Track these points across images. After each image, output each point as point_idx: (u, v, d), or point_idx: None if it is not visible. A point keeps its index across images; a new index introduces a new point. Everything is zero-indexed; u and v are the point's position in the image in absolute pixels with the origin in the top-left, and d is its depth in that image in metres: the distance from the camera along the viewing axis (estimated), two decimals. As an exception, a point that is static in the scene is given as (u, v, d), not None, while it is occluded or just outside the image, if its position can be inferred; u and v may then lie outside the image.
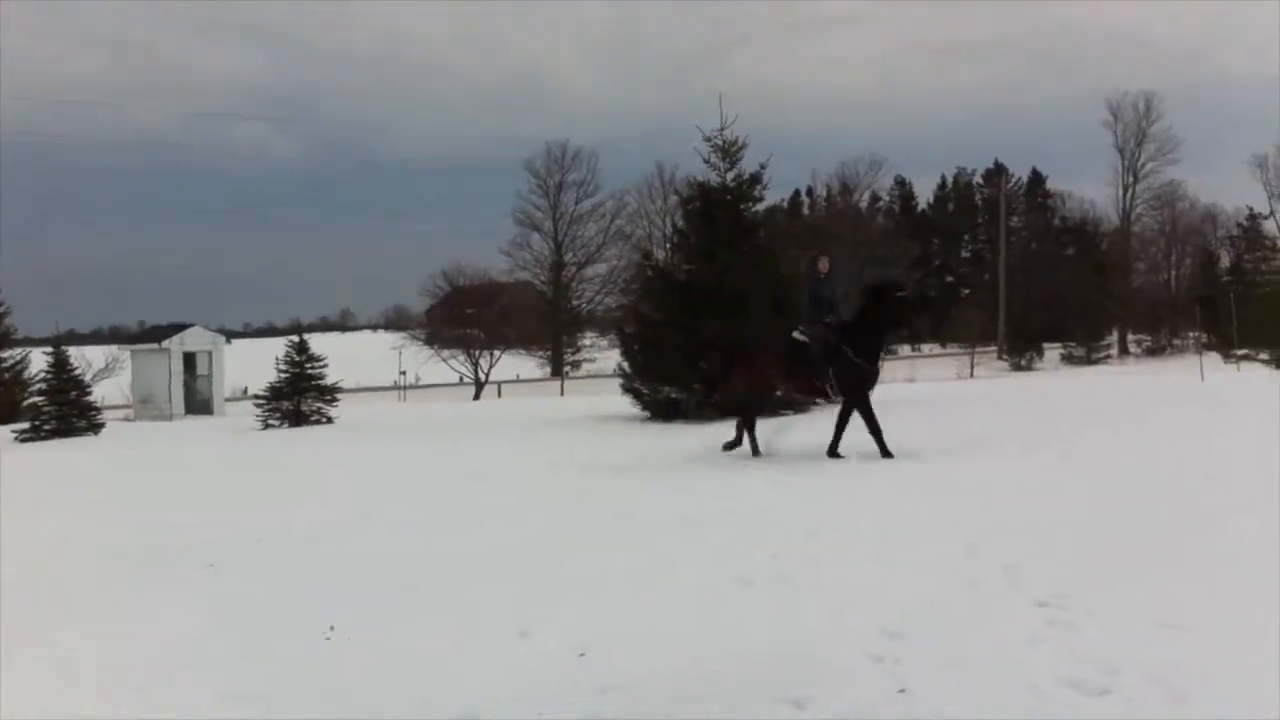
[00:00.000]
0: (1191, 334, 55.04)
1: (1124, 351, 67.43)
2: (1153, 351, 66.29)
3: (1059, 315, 60.50)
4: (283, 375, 25.60)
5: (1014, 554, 6.68)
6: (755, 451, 13.10)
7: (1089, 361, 58.59)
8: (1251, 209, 75.37)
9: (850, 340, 12.47)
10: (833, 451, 12.31)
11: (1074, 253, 75.72)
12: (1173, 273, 76.66)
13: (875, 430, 12.11)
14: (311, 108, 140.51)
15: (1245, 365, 37.61)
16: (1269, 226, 74.54)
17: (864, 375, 12.46)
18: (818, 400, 14.12)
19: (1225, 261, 72.81)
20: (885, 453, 11.89)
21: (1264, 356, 39.32)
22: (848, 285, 33.51)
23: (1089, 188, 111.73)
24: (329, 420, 25.24)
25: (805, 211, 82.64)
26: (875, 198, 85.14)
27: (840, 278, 52.01)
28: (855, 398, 12.42)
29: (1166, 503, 8.30)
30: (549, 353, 68.53)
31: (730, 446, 13.18)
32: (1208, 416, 14.70)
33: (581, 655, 5.18)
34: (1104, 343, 63.90)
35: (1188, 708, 4.11)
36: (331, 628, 5.86)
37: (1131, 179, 76.32)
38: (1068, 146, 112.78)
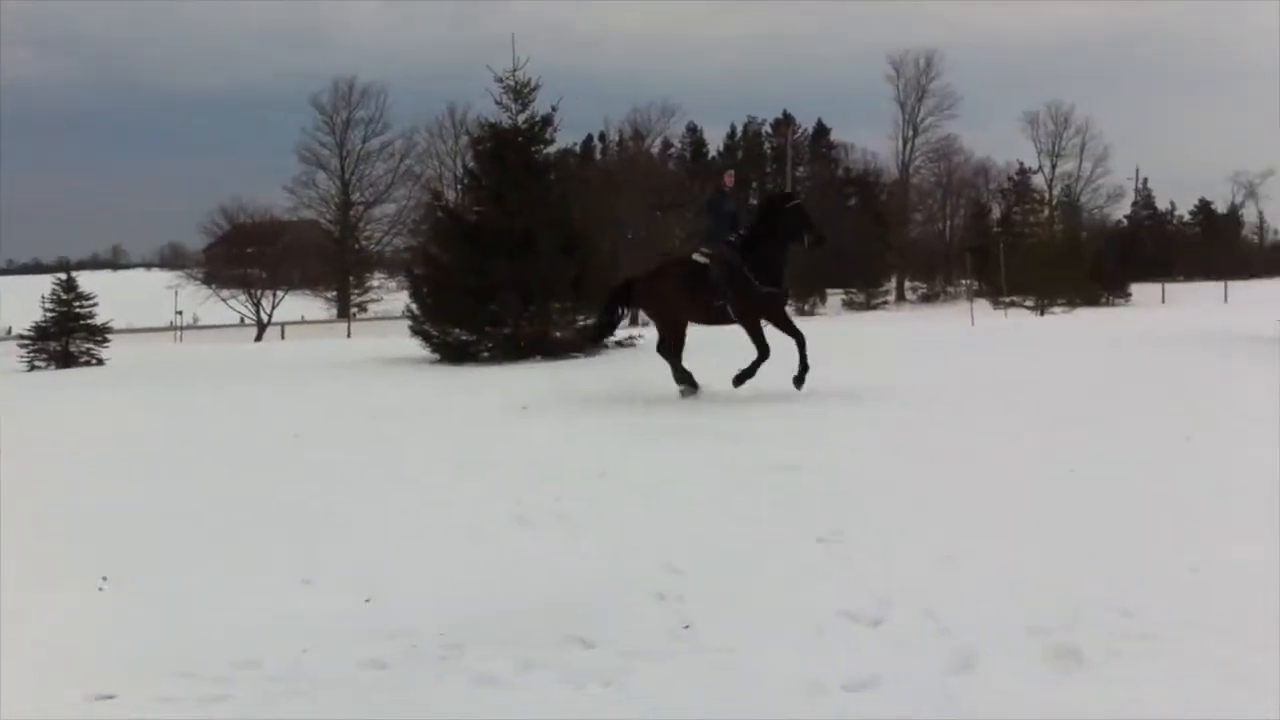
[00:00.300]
0: (964, 281, 57.58)
1: (901, 298, 70.13)
2: (928, 298, 69.18)
3: (841, 263, 62.40)
4: (49, 315, 24.20)
5: (794, 491, 6.85)
6: (682, 380, 12.27)
7: (868, 307, 60.77)
8: (1022, 164, 79.28)
9: (750, 260, 11.73)
10: (742, 377, 11.66)
11: (856, 203, 78.10)
12: (948, 223, 79.98)
13: (762, 352, 11.66)
14: (75, 34, 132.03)
15: (1012, 311, 39.68)
16: (1037, 181, 78.70)
17: (765, 299, 11.82)
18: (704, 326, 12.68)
19: (996, 213, 76.67)
20: (748, 374, 11.57)
21: (1029, 303, 41.55)
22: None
23: (872, 140, 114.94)
24: (99, 362, 23.99)
25: (598, 156, 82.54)
26: (667, 144, 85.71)
27: (634, 221, 52.41)
28: (754, 319, 11.85)
29: (940, 441, 8.66)
30: (335, 294, 66.85)
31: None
32: (978, 358, 15.38)
33: (367, 601, 5.05)
34: (883, 289, 66.39)
35: (951, 637, 4.26)
36: (105, 578, 5.52)
37: (911, 133, 79.10)
38: (853, 99, 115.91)
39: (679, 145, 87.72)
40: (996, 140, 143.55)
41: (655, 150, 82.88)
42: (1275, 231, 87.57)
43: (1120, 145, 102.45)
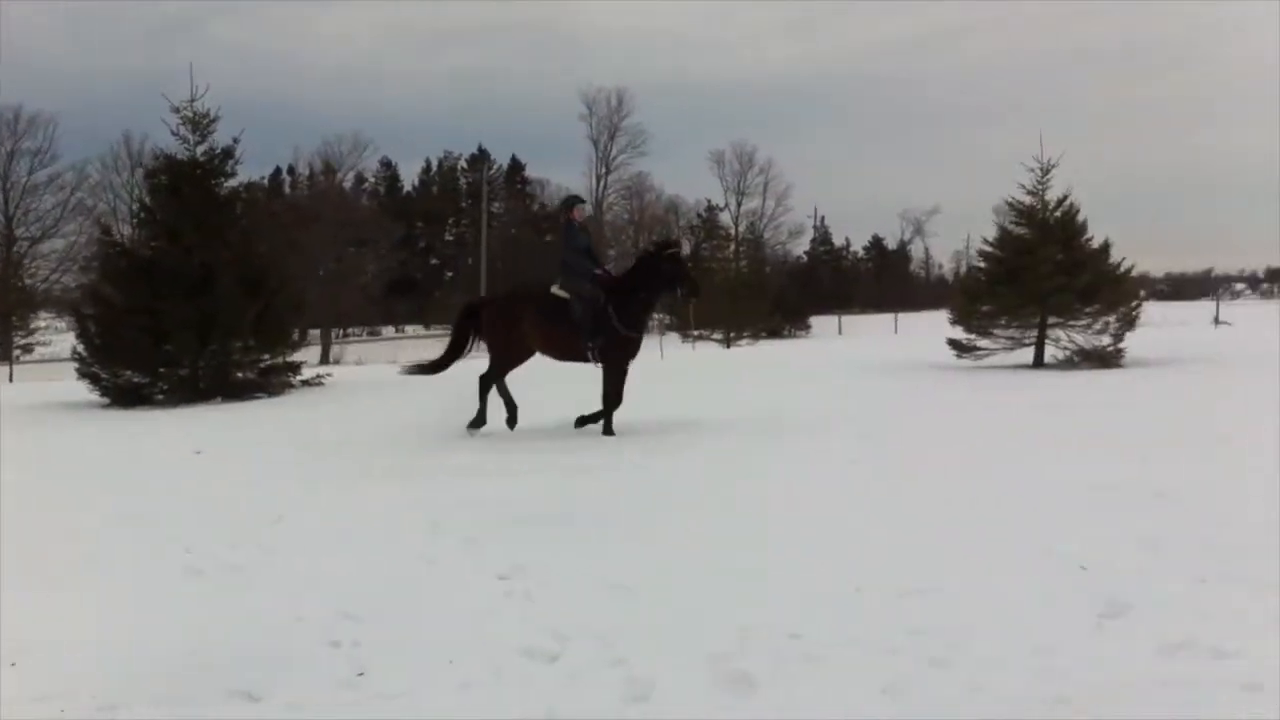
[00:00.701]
0: (656, 315, 59.17)
1: (596, 333, 71.16)
2: (621, 332, 70.49)
3: (537, 299, 62.66)
4: None
5: (474, 529, 6.78)
6: (478, 421, 11.90)
7: (565, 342, 61.27)
8: (710, 201, 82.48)
9: (617, 303, 11.49)
10: (607, 428, 11.47)
11: (553, 239, 78.96)
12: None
13: (611, 402, 11.48)
14: None
15: (701, 344, 41.05)
16: (724, 217, 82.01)
17: (627, 344, 11.60)
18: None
19: (687, 249, 79.30)
20: (608, 428, 11.39)
21: (717, 336, 43.13)
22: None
23: (566, 177, 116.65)
24: None
25: (287, 190, 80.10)
26: (361, 178, 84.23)
27: (326, 256, 50.84)
28: (614, 366, 11.58)
29: (621, 476, 8.81)
30: (-4, 335, 61.73)
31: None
32: (664, 393, 15.77)
33: (12, 665, 4.61)
34: (578, 325, 67.13)
35: (628, 667, 4.29)
36: None
37: (604, 170, 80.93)
38: (547, 136, 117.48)
39: (373, 180, 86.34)
40: (686, 178, 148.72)
41: (348, 184, 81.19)
42: (940, 266, 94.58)
43: (800, 184, 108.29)
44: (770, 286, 55.20)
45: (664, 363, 23.82)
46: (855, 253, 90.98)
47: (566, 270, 11.76)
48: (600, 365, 11.57)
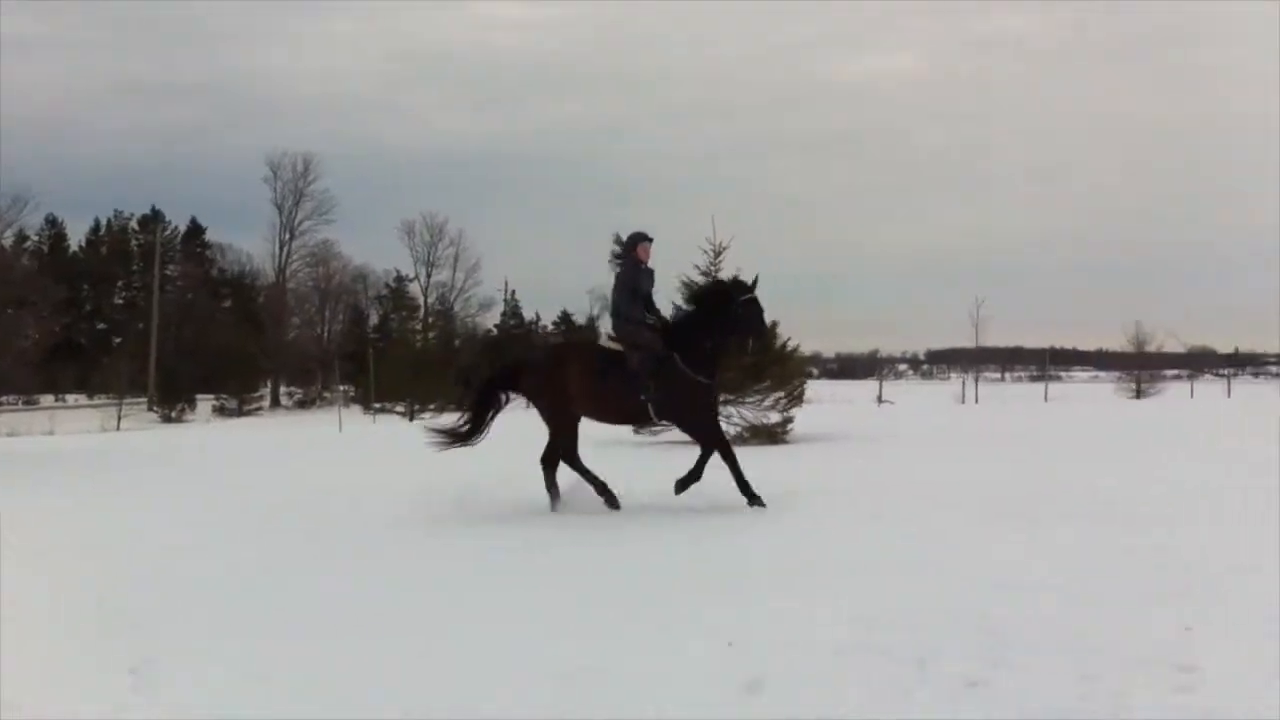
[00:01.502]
0: (340, 387, 57.69)
1: (276, 404, 68.83)
2: (303, 404, 68.55)
3: (213, 367, 60.04)
4: None
5: (122, 619, 6.25)
6: (606, 497, 10.45)
7: (241, 413, 58.87)
8: (399, 271, 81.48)
9: (682, 347, 10.08)
10: (752, 498, 9.99)
11: (231, 305, 76.03)
12: (327, 328, 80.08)
13: (733, 463, 10.05)
14: None
15: (383, 417, 40.22)
16: (414, 289, 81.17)
17: (700, 392, 10.14)
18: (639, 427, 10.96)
19: (375, 319, 78.02)
20: (752, 497, 9.96)
21: (400, 409, 42.35)
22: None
23: (249, 241, 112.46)
24: None
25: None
26: (23, 236, 78.45)
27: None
28: (692, 419, 10.34)
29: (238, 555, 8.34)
30: None
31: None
32: (331, 466, 15.24)
33: None
34: (257, 395, 64.68)
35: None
36: None
37: (289, 236, 78.60)
38: (231, 199, 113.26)
39: (36, 238, 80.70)
40: (375, 247, 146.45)
41: (8, 242, 75.37)
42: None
43: (491, 257, 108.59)
44: (460, 359, 54.89)
45: (342, 435, 23.09)
46: (545, 327, 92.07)
47: (619, 317, 10.40)
48: (667, 422, 10.47)
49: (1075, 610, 5.85)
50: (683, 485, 10.25)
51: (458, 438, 11.07)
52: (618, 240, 10.61)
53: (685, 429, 10.46)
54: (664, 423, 10.42)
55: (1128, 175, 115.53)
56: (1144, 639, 5.23)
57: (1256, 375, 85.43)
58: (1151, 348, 52.79)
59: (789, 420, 19.38)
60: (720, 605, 6.21)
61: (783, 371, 19.89)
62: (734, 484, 9.97)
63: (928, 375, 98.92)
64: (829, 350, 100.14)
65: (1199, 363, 76.05)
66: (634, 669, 5.04)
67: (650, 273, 10.57)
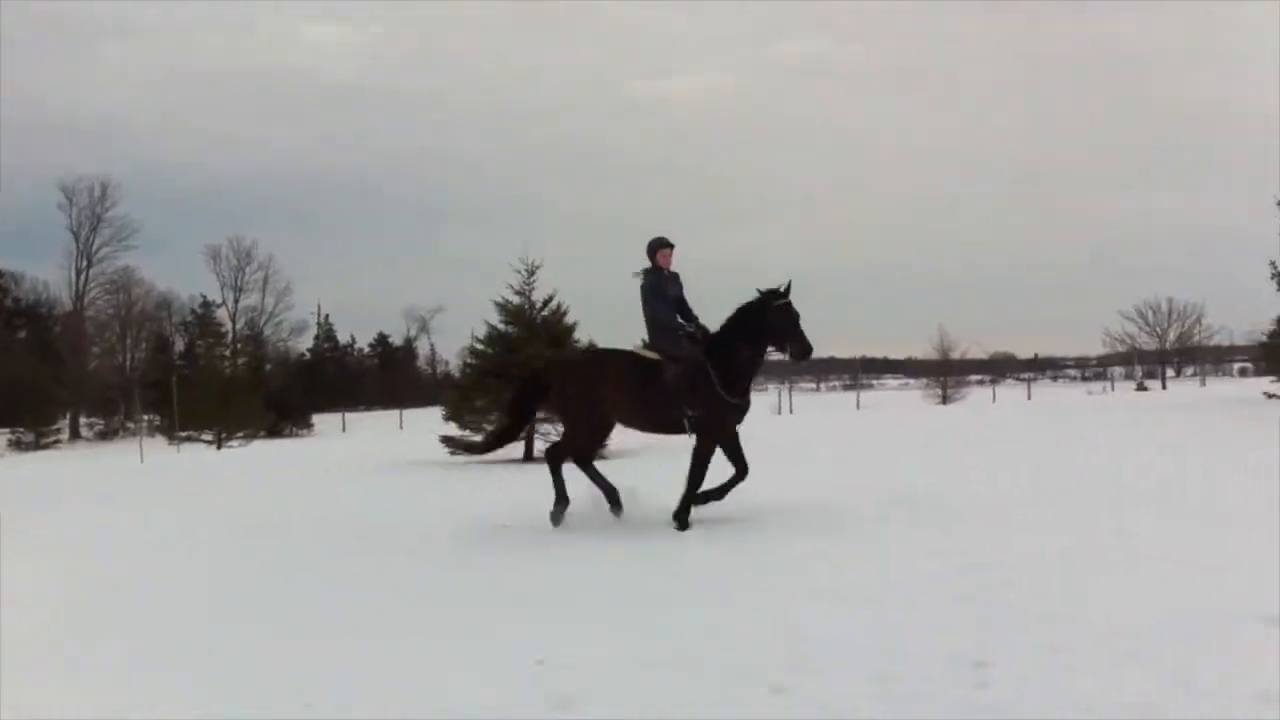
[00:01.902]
0: (144, 417, 55.36)
1: (76, 435, 65.73)
2: (105, 435, 65.66)
3: (6, 400, 56.95)
4: None
5: None
6: (612, 502, 10.16)
7: (38, 447, 55.97)
8: (205, 296, 78.85)
9: (719, 364, 9.82)
10: (682, 522, 9.74)
11: (26, 335, 72.26)
12: (129, 357, 76.88)
13: (695, 484, 9.85)
14: None
15: (188, 445, 38.78)
16: (221, 314, 78.59)
17: (731, 413, 9.92)
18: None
19: (180, 346, 75.18)
20: (684, 521, 9.72)
21: (207, 437, 40.83)
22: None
23: (44, 270, 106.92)
24: None
25: None
26: None
27: None
28: (708, 439, 9.94)
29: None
30: None
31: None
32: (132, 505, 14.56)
33: None
34: (54, 427, 61.59)
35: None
36: None
37: (86, 263, 75.23)
38: (22, 226, 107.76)
39: None
40: (180, 273, 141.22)
41: None
42: (446, 362, 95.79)
43: (303, 281, 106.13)
44: (273, 385, 53.34)
45: (143, 466, 22.12)
46: (361, 349, 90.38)
47: (655, 326, 10.10)
48: (694, 436, 10.02)
49: (880, 614, 5.97)
50: (717, 495, 9.97)
51: (478, 447, 11.21)
52: (647, 247, 10.31)
53: (696, 445, 10.06)
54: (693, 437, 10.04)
55: (910, 187, 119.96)
56: (943, 638, 5.32)
57: (1055, 379, 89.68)
58: (956, 354, 54.78)
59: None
60: (531, 624, 6.13)
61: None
62: (679, 503, 9.81)
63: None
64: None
65: (1001, 368, 79.46)
66: (441, 687, 4.94)
67: (675, 277, 10.35)
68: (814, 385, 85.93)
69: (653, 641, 5.60)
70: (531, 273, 20.33)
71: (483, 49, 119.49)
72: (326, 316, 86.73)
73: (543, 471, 10.51)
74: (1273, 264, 25.35)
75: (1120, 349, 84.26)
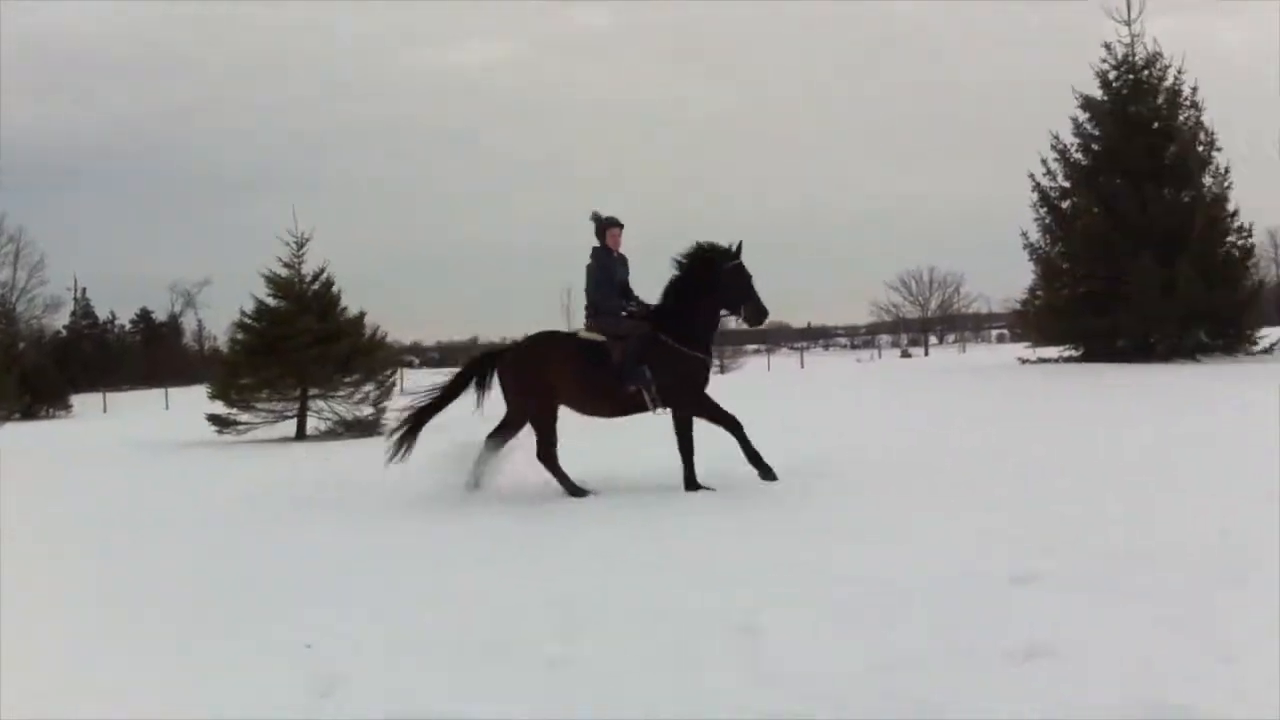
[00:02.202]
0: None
1: None
2: None
3: None
4: None
5: None
6: (573, 490, 9.43)
7: None
8: (-53, 272, 73.63)
9: (669, 325, 9.43)
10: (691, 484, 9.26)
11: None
12: None
13: (688, 451, 9.36)
14: None
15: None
16: None
17: (695, 368, 9.49)
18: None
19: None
20: (692, 483, 9.23)
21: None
22: None
23: None
24: None
25: None
26: None
27: None
28: (690, 399, 9.43)
29: None
30: None
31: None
32: None
33: None
34: None
35: None
36: None
37: None
38: None
39: None
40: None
41: None
42: (214, 338, 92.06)
43: (56, 254, 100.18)
44: (26, 364, 50.14)
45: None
46: (123, 326, 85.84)
47: (596, 309, 9.79)
48: (665, 409, 9.50)
49: (651, 582, 5.93)
50: (764, 472, 9.39)
51: (423, 412, 10.34)
52: (596, 225, 9.88)
53: (695, 413, 9.52)
54: (664, 409, 9.54)
55: (688, 161, 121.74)
56: (712, 605, 5.32)
57: (827, 347, 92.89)
58: (732, 325, 55.51)
59: (383, 412, 18.97)
60: (302, 606, 5.85)
61: (371, 362, 19.43)
62: (681, 464, 9.39)
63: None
64: (429, 339, 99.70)
65: (776, 337, 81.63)
66: (205, 672, 4.70)
67: (623, 259, 9.95)
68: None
69: (426, 616, 5.42)
70: (301, 245, 19.61)
71: (265, 11, 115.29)
72: (84, 291, 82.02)
73: (318, 447, 10.13)
74: (1024, 234, 26.66)
75: (886, 318, 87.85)
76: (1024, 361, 25.67)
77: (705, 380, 9.65)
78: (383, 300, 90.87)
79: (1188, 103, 25.72)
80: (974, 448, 11.09)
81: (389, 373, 19.91)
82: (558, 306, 57.82)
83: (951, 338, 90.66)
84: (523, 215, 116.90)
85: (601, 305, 9.72)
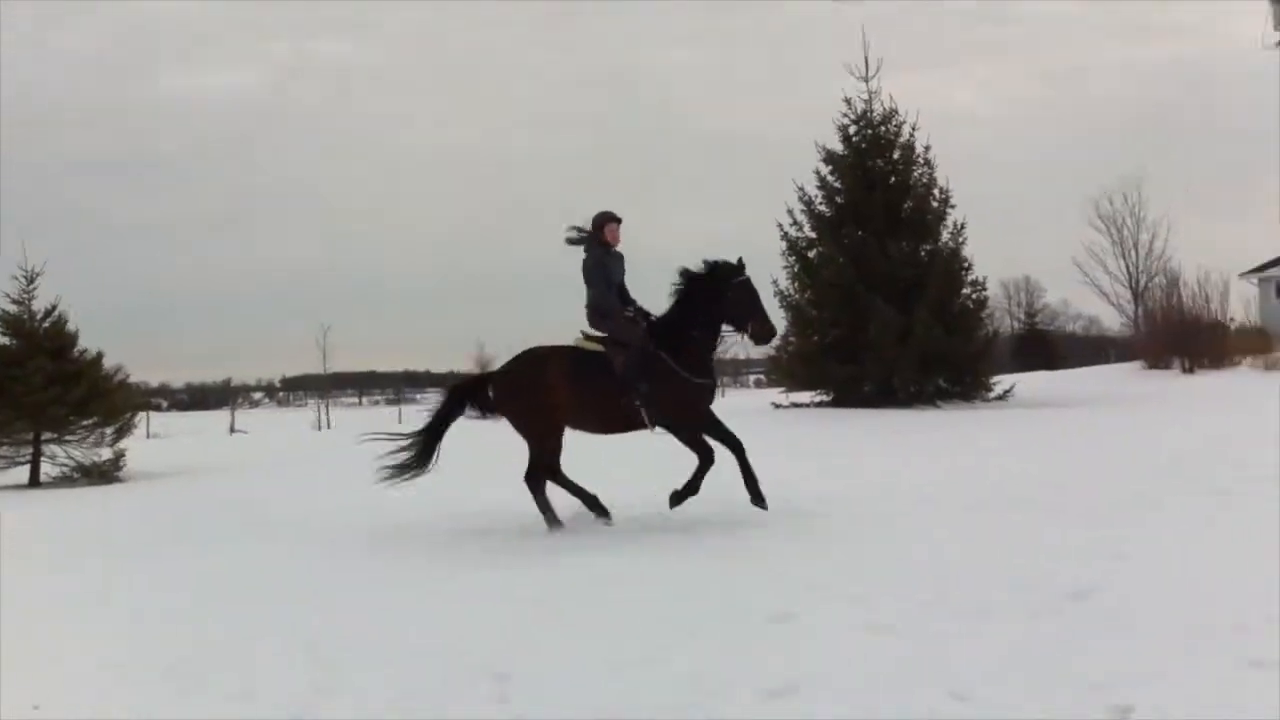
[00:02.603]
0: None
1: None
2: None
3: None
4: None
5: None
6: (546, 509, 9.15)
7: None
8: None
9: (669, 343, 8.96)
10: (684, 494, 8.96)
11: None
12: None
13: (704, 461, 8.92)
14: None
15: None
16: None
17: (694, 392, 8.95)
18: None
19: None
20: (757, 496, 8.87)
21: None
22: None
23: None
24: None
25: None
26: None
27: None
28: (686, 421, 8.98)
29: None
30: None
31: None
32: None
33: None
34: None
35: None
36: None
37: None
38: None
39: None
40: None
41: None
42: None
43: None
44: None
45: None
46: None
47: (595, 311, 9.24)
48: (663, 430, 9.05)
49: (401, 626, 5.87)
50: (678, 499, 9.00)
51: (405, 468, 9.48)
52: (574, 228, 9.39)
53: (683, 440, 9.12)
54: (659, 430, 9.12)
55: (450, 205, 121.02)
56: (469, 648, 5.31)
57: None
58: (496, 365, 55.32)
59: (120, 456, 18.02)
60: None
61: (110, 405, 18.47)
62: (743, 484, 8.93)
63: (284, 402, 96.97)
64: (178, 381, 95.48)
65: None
66: None
67: (620, 257, 9.47)
68: (356, 399, 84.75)
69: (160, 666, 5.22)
70: (31, 280, 18.52)
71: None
72: None
73: (50, 495, 9.56)
74: (775, 282, 27.44)
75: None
76: (777, 406, 26.39)
77: (705, 403, 9.19)
78: (130, 340, 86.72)
79: (921, 160, 27.10)
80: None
81: (128, 415, 18.97)
82: (314, 347, 56.47)
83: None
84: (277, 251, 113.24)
85: (602, 306, 9.27)
